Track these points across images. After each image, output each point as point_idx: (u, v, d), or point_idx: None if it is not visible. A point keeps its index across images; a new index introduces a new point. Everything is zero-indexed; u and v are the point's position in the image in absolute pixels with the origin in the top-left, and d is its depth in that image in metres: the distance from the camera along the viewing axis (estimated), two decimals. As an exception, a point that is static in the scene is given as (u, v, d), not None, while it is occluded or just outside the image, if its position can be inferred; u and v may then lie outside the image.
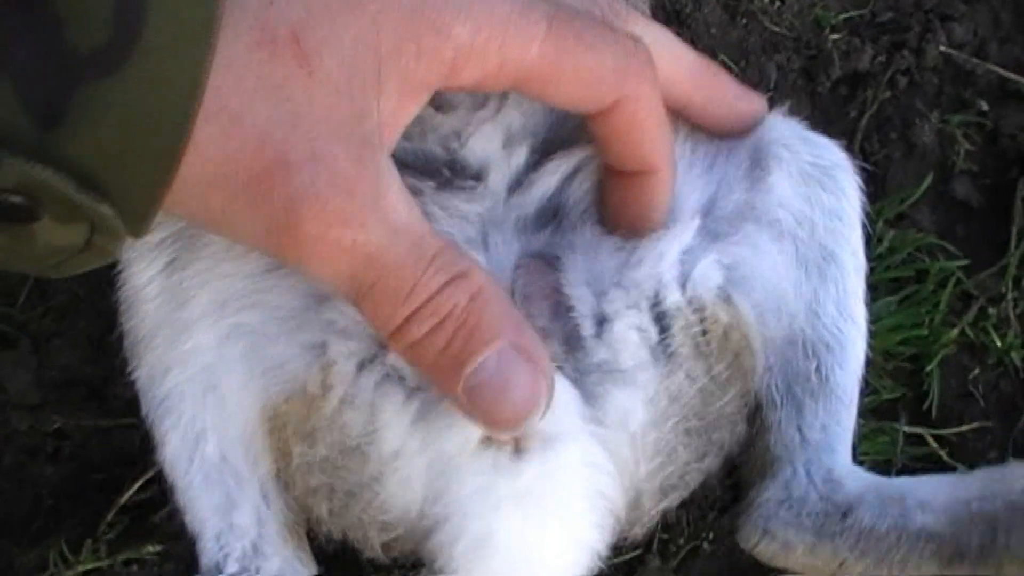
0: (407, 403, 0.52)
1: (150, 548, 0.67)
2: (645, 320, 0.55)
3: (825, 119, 0.81)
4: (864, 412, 0.74)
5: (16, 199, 0.37)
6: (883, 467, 0.74)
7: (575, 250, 0.56)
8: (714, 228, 0.58)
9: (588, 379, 0.54)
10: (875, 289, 0.69)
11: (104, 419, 0.72)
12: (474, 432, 0.50)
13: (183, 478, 0.57)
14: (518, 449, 0.50)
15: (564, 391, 0.52)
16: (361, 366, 0.53)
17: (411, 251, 0.43)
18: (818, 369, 0.60)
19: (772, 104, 0.81)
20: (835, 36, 0.83)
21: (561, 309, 0.55)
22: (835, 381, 0.60)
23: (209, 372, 0.55)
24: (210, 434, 0.56)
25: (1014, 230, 0.78)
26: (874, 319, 0.74)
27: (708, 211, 0.58)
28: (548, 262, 0.56)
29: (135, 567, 0.71)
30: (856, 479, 0.60)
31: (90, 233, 0.39)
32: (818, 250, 0.60)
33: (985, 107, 0.81)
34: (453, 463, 0.51)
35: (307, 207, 0.40)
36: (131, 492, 0.70)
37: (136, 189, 0.38)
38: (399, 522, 0.54)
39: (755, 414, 0.61)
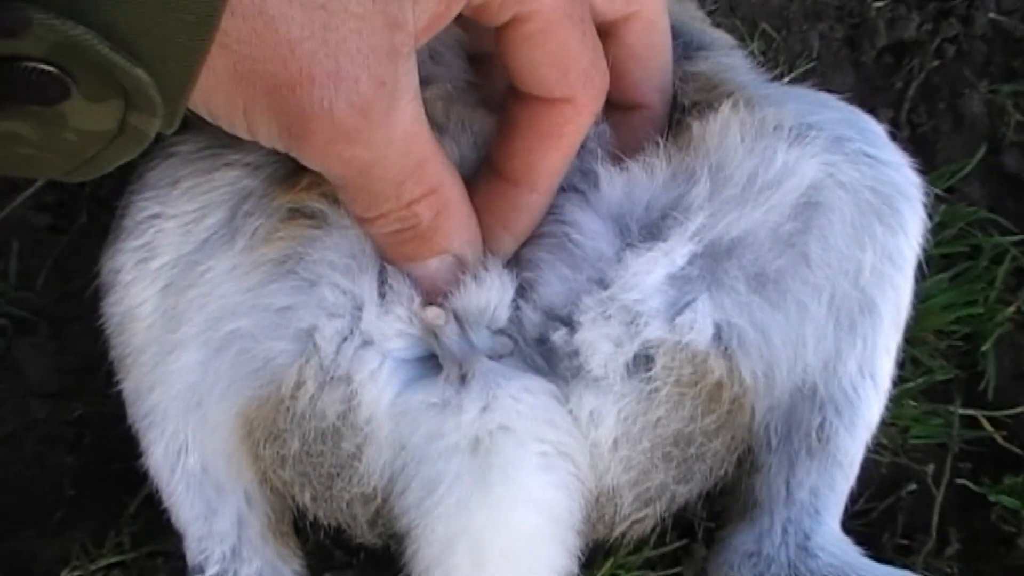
0: (380, 365, 0.53)
1: (174, 540, 0.65)
2: (619, 333, 0.52)
3: (870, 90, 0.79)
4: (917, 394, 0.72)
5: (47, 67, 0.36)
6: (937, 451, 0.72)
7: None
8: (721, 267, 0.53)
9: (559, 369, 0.53)
10: (926, 266, 0.65)
11: (125, 407, 0.70)
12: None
13: (166, 487, 0.59)
14: (463, 376, 0.51)
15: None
16: (342, 342, 0.54)
17: (397, 160, 0.45)
18: (821, 427, 0.55)
19: (815, 76, 0.80)
20: (879, 3, 0.80)
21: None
22: (836, 444, 0.56)
23: (193, 390, 0.56)
24: (191, 447, 0.58)
25: (1070, 203, 0.75)
26: (926, 297, 0.71)
27: (717, 241, 0.53)
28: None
29: (160, 560, 0.69)
30: (831, 556, 0.56)
31: (123, 112, 0.38)
32: (856, 299, 0.54)
33: (1036, 76, 0.79)
34: (413, 408, 0.52)
35: (320, 123, 0.42)
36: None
37: (171, 60, 0.38)
38: (377, 490, 0.54)
39: (748, 451, 0.57)
